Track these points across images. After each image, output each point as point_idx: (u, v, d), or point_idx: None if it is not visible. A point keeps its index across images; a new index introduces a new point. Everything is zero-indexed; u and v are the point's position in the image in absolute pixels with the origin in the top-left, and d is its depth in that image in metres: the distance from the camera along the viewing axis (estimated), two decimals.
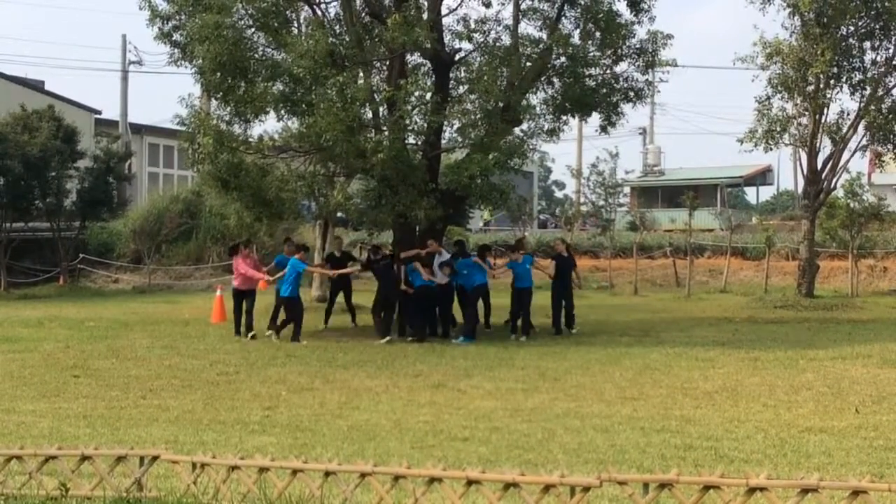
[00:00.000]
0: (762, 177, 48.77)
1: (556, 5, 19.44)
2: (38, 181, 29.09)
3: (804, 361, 13.87)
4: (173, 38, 17.95)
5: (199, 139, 17.22)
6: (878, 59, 23.71)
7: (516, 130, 19.00)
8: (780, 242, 30.94)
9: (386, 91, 17.08)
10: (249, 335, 17.20)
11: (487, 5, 19.75)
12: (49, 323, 19.95)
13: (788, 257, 30.59)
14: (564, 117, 19.75)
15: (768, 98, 23.99)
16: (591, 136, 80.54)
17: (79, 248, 32.23)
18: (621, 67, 19.28)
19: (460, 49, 19.44)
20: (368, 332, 17.80)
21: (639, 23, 19.32)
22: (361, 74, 18.08)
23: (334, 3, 20.07)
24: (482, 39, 19.20)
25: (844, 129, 24.07)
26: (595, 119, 19.96)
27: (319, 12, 19.42)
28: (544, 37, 18.68)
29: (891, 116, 23.54)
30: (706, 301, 25.47)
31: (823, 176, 24.27)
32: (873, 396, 11.10)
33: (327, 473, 5.18)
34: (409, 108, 17.17)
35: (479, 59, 19.15)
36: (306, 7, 19.23)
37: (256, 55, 17.77)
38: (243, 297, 17.83)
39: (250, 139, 18.76)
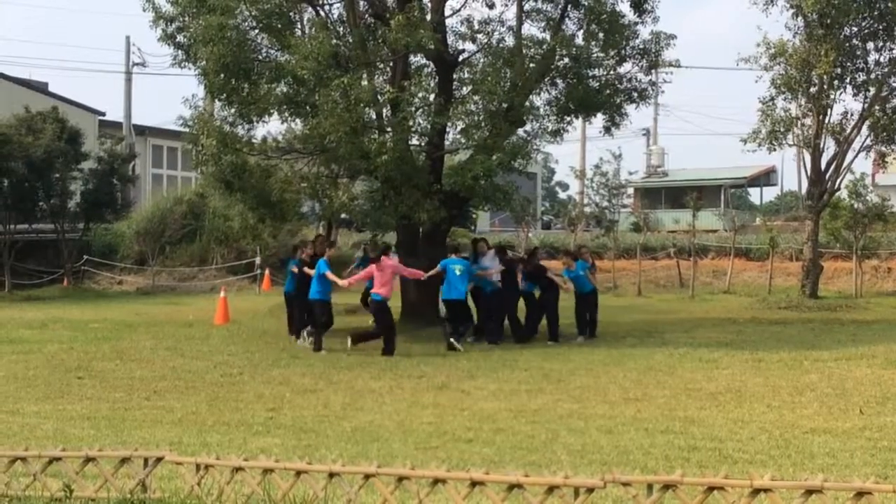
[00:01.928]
0: (766, 177, 48.70)
1: (560, 6, 19.45)
2: (41, 183, 29.17)
3: (808, 362, 13.86)
4: (177, 40, 17.97)
5: (203, 140, 17.25)
6: (882, 59, 23.67)
7: (520, 131, 19.00)
8: (784, 243, 30.87)
9: (389, 92, 17.09)
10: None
11: (491, 6, 19.85)
12: (53, 324, 19.97)
13: (792, 258, 30.50)
14: (568, 118, 19.73)
15: (772, 99, 23.96)
16: (594, 138, 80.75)
17: (82, 249, 32.23)
18: (625, 68, 19.32)
19: (464, 50, 19.43)
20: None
21: (642, 23, 19.35)
22: (365, 76, 18.08)
23: (338, 5, 20.12)
24: (486, 41, 19.19)
25: (848, 130, 24.03)
26: (598, 120, 19.98)
27: (323, 13, 19.44)
28: (548, 38, 18.67)
29: (895, 117, 23.52)
30: (710, 302, 25.43)
31: (827, 177, 24.22)
32: (877, 397, 11.09)
33: (331, 475, 5.18)
34: (413, 109, 17.18)
35: (482, 60, 19.12)
36: (310, 8, 19.24)
37: (260, 57, 17.83)
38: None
39: (254, 140, 18.81)
